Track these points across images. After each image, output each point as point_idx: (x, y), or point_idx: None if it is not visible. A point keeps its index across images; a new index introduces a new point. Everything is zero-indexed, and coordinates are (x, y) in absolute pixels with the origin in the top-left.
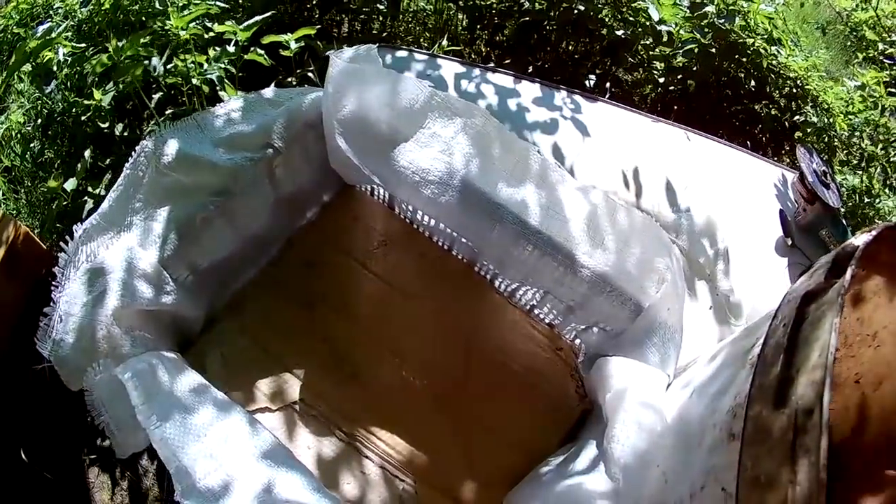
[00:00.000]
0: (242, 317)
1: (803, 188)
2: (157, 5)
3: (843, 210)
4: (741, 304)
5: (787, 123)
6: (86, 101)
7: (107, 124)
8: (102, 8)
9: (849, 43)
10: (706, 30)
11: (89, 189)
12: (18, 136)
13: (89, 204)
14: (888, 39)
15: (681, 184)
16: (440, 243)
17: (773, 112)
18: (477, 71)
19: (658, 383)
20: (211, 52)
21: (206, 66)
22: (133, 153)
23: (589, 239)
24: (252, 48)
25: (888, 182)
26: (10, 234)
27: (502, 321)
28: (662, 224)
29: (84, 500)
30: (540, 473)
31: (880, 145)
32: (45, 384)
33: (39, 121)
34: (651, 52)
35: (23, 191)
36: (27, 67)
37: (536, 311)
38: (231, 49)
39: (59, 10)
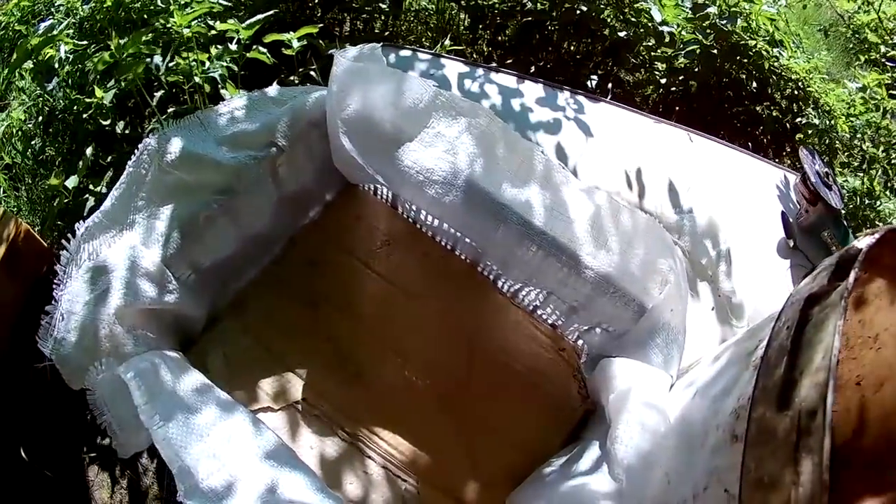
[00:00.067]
0: (245, 316)
1: (806, 189)
2: (158, 3)
3: (844, 212)
4: (743, 305)
5: (788, 125)
6: (87, 99)
7: (108, 122)
8: (104, 5)
9: (850, 45)
10: (708, 31)
11: (90, 187)
12: (19, 133)
13: (90, 202)
14: (890, 42)
15: (683, 185)
16: (443, 243)
17: (774, 114)
18: (480, 71)
19: (661, 384)
20: (213, 51)
21: (207, 64)
22: (136, 151)
23: (593, 240)
24: (254, 47)
25: (889, 184)
26: (11, 231)
27: (505, 321)
28: (665, 225)
29: (84, 498)
30: (543, 474)
31: (881, 147)
32: (45, 382)
33: (41, 118)
34: (653, 53)
35: (23, 188)
36: (28, 64)
37: (539, 312)
38: (233, 47)
39: (61, 8)
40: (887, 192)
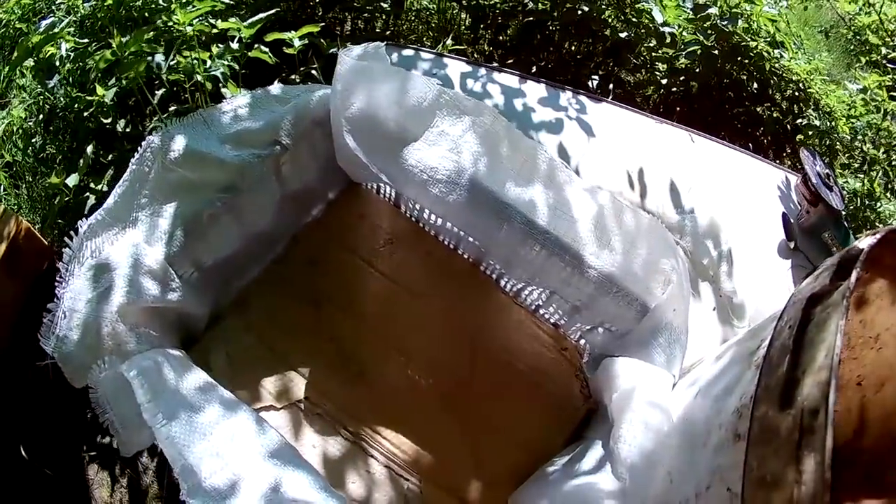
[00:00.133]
0: (247, 314)
1: (807, 190)
2: (160, 1)
3: (844, 213)
4: (744, 305)
5: (788, 126)
6: (88, 97)
7: (109, 120)
8: (105, 3)
9: (851, 46)
10: (709, 32)
11: (91, 185)
12: (20, 131)
13: (91, 200)
14: (891, 43)
15: (685, 185)
16: (446, 242)
17: (775, 115)
18: (483, 70)
19: (664, 384)
20: (214, 49)
21: (209, 62)
22: (139, 148)
23: (596, 240)
24: (256, 46)
25: (889, 186)
26: (12, 229)
27: (508, 321)
28: (667, 225)
29: (83, 497)
30: (546, 473)
31: (882, 149)
32: (45, 381)
33: (41, 116)
34: (654, 54)
35: (24, 186)
36: (29, 62)
37: (542, 311)
38: (235, 46)
39: (62, 6)
40: (888, 194)
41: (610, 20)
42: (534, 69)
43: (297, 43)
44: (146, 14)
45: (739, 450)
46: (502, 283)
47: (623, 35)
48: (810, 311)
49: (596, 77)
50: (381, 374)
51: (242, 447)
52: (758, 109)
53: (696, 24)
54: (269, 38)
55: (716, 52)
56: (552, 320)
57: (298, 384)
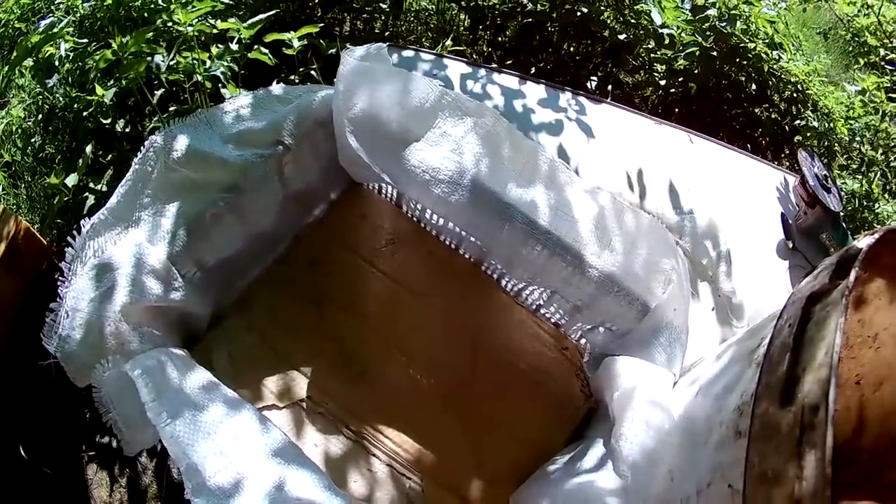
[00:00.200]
0: (249, 314)
1: (804, 192)
2: (160, 1)
3: (842, 214)
4: (743, 305)
5: (787, 127)
6: (87, 97)
7: (108, 120)
8: (104, 3)
9: (849, 48)
10: (708, 33)
11: (90, 185)
12: (19, 131)
13: (90, 200)
14: (889, 45)
15: (684, 186)
16: (448, 242)
17: (773, 116)
18: (483, 71)
19: (665, 382)
20: (213, 50)
21: (209, 63)
22: (142, 148)
23: (597, 240)
24: (255, 46)
25: (888, 187)
26: (11, 229)
27: (509, 320)
28: (666, 226)
29: (82, 496)
30: (547, 472)
31: (880, 150)
32: (44, 380)
33: (40, 116)
34: (653, 55)
35: (23, 186)
36: (29, 62)
37: (543, 311)
38: (234, 47)
39: (61, 6)
40: (885, 195)
41: (609, 21)
42: (533, 70)
43: (296, 44)
44: (145, 14)
45: (740, 447)
46: (503, 282)
47: (622, 36)
48: (810, 309)
49: (595, 78)
50: (382, 373)
51: (246, 446)
52: (756, 110)
53: (695, 25)
54: (269, 38)
55: (714, 53)
56: (553, 320)
57: (300, 383)
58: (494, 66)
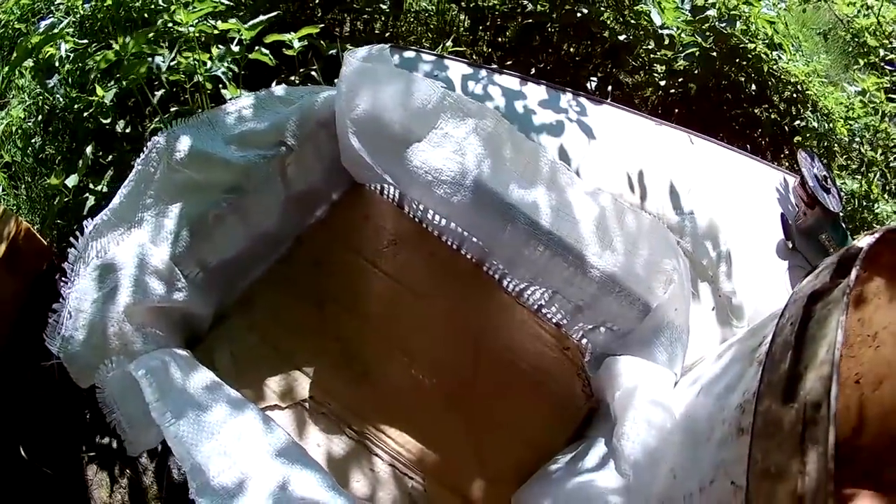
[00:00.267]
0: (252, 314)
1: (804, 192)
2: (160, 2)
3: (842, 214)
4: (743, 306)
5: (786, 128)
6: (88, 98)
7: (108, 120)
8: (104, 4)
9: (849, 48)
10: (707, 34)
11: (90, 186)
12: (19, 131)
13: (90, 200)
14: (889, 45)
15: (684, 187)
16: (450, 243)
17: (773, 116)
18: (484, 72)
19: (666, 382)
20: (214, 51)
21: (209, 63)
22: (144, 149)
23: (598, 240)
24: (256, 48)
25: (887, 187)
26: (12, 229)
27: (510, 320)
28: (666, 226)
29: (83, 497)
30: (549, 471)
31: (880, 151)
32: (44, 380)
33: (40, 116)
34: (652, 56)
35: (23, 187)
36: (29, 63)
37: (544, 311)
38: (235, 48)
39: (61, 6)
40: (885, 195)
41: (609, 22)
42: (533, 71)
43: (296, 44)
44: (145, 15)
45: (743, 444)
46: (505, 283)
47: (622, 37)
48: (811, 308)
49: (595, 79)
50: (384, 373)
51: (250, 446)
52: (756, 111)
53: (695, 25)
54: (269, 39)
55: (714, 53)
56: (554, 320)
57: (303, 384)
58: (495, 66)
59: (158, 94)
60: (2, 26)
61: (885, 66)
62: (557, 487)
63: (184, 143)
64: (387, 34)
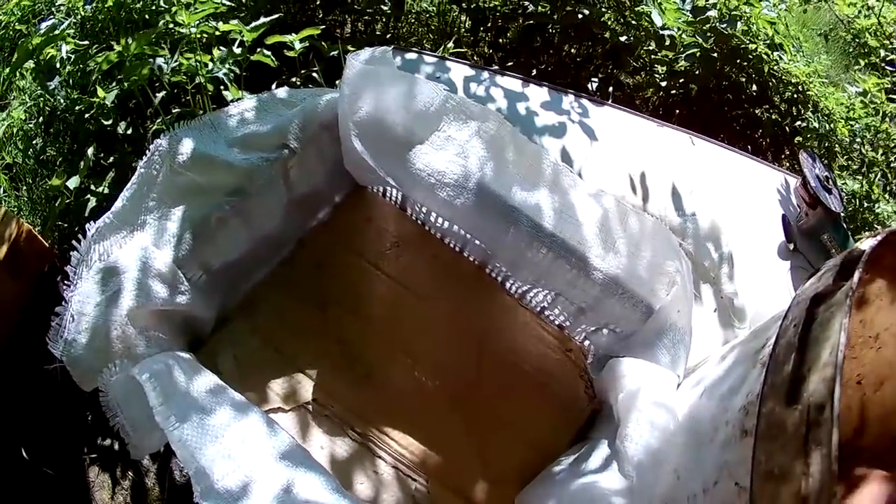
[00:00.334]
0: (254, 317)
1: (806, 193)
2: (161, 3)
3: (843, 215)
4: (745, 307)
5: (787, 128)
6: (89, 99)
7: (110, 122)
8: (105, 5)
9: (850, 49)
10: (708, 34)
11: (92, 187)
12: (20, 133)
13: (92, 202)
14: (889, 46)
15: (686, 188)
16: (452, 245)
17: (773, 117)
18: (486, 74)
19: (669, 383)
20: (215, 52)
21: (211, 65)
22: (147, 151)
23: (601, 242)
24: (258, 49)
25: (888, 187)
26: (13, 231)
27: (513, 322)
28: (668, 228)
29: (84, 499)
30: (553, 472)
31: (881, 151)
32: (46, 382)
33: (41, 118)
34: (653, 57)
35: (24, 188)
36: (29, 64)
37: (547, 313)
38: (237, 50)
39: (62, 8)
40: (886, 195)
41: (609, 23)
42: (534, 72)
43: (297, 45)
44: (146, 16)
45: (747, 445)
46: (508, 285)
47: (623, 38)
48: (814, 310)
49: (596, 80)
50: (387, 375)
51: (254, 449)
52: (757, 111)
53: (696, 26)
54: (270, 40)
55: (715, 54)
56: (557, 322)
57: (306, 386)
58: (496, 68)
59: (160, 95)
60: (2, 27)
61: (886, 67)
62: (561, 489)
63: (186, 146)
64: (388, 35)
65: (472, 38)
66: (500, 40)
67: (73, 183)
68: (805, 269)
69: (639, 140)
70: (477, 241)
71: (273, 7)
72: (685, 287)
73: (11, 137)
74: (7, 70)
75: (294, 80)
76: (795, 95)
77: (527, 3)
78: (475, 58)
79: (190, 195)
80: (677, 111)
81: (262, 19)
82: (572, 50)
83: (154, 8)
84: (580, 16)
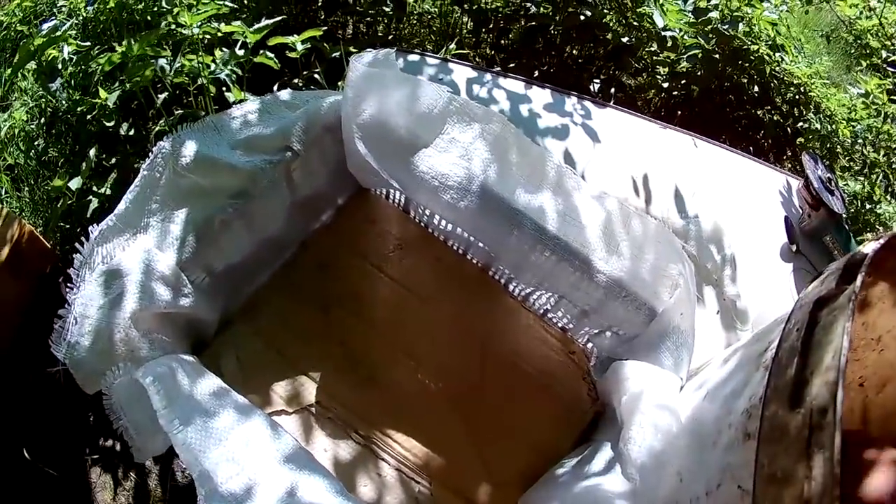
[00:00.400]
0: (257, 319)
1: (808, 195)
2: (163, 4)
3: (845, 216)
4: (747, 310)
5: (789, 129)
6: (91, 100)
7: (112, 123)
8: (107, 6)
9: (851, 50)
10: (710, 35)
11: (94, 188)
12: (22, 134)
13: (94, 203)
14: (891, 47)
15: (688, 190)
16: (455, 247)
17: (775, 118)
18: (488, 76)
19: (672, 386)
20: (217, 53)
21: (213, 66)
22: (150, 154)
23: (605, 245)
24: (261, 51)
25: (890, 188)
26: (15, 232)
27: (516, 325)
28: (671, 230)
29: (86, 500)
30: (556, 475)
31: (882, 152)
32: (48, 383)
33: (43, 119)
34: (655, 58)
35: (26, 189)
36: (31, 65)
37: (550, 316)
38: (240, 52)
39: (63, 9)
40: (888, 196)
41: (611, 24)
42: (536, 73)
43: (299, 47)
44: (148, 17)
45: (750, 448)
46: (511, 287)
47: (624, 39)
48: (817, 313)
49: (598, 81)
50: (390, 378)
51: (257, 452)
52: (758, 113)
53: (697, 27)
54: (272, 41)
55: (716, 55)
56: (560, 324)
57: (309, 388)
58: (499, 69)
59: (162, 96)
60: (4, 28)
61: (888, 68)
62: (564, 491)
63: (189, 148)
64: (390, 37)
65: (474, 39)
66: (502, 42)
67: (74, 184)
68: (807, 271)
69: (641, 142)
70: (480, 244)
71: (275, 8)
72: (688, 290)
73: (13, 138)
74: (9, 71)
75: (296, 81)
76: (797, 97)
77: (529, 4)
78: (477, 59)
79: (193, 197)
80: (679, 112)
81: (266, 21)
82: (574, 51)
83: (156, 9)
84: (582, 17)
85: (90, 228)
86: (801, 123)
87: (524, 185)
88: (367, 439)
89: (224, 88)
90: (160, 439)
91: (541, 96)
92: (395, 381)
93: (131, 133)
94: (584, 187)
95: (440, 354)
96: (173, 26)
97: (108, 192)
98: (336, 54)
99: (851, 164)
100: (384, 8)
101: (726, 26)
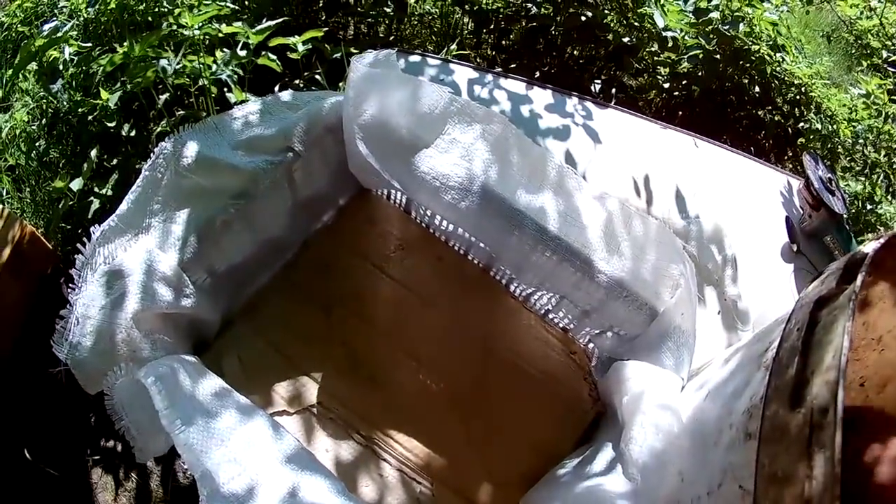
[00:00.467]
0: (258, 320)
1: (809, 195)
2: (165, 4)
3: (846, 216)
4: (748, 310)
5: (790, 130)
6: (92, 101)
7: (113, 124)
8: (108, 7)
9: (852, 50)
10: (711, 36)
11: (95, 189)
12: (23, 134)
13: (95, 204)
14: (891, 47)
15: (689, 191)
16: (457, 248)
17: (776, 118)
18: (489, 76)
19: (673, 386)
20: (218, 54)
21: (214, 67)
22: (152, 154)
23: (606, 245)
24: (263, 53)
25: (890, 188)
26: (16, 233)
27: (517, 325)
28: (672, 230)
29: (87, 500)
30: (557, 475)
31: (883, 152)
32: (50, 383)
33: (44, 120)
34: (656, 58)
35: (27, 190)
36: (32, 66)
37: (551, 316)
38: (242, 53)
39: (64, 10)
40: (888, 197)
41: (612, 25)
42: (537, 74)
43: (300, 48)
44: (149, 18)
45: (751, 448)
46: (512, 288)
47: (625, 40)
48: (818, 313)
49: (598, 81)
50: (392, 378)
51: (259, 452)
52: (759, 113)
53: (698, 28)
54: (274, 42)
55: (717, 56)
56: (561, 325)
57: (311, 389)
58: (500, 70)
59: (163, 97)
60: (5, 29)
61: (888, 68)
62: (565, 491)
63: (191, 149)
64: (391, 37)
65: (474, 40)
66: (503, 42)
67: (76, 185)
68: (808, 271)
69: (642, 142)
70: (481, 244)
71: (276, 9)
72: (689, 290)
73: (14, 139)
74: (10, 72)
75: (297, 82)
76: (798, 97)
77: (530, 4)
78: (478, 60)
79: (194, 198)
80: (680, 113)
81: (267, 22)
82: (575, 52)
83: (157, 10)
84: (583, 18)
85: (92, 229)
86: (801, 124)
87: (525, 185)
88: (369, 440)
89: (225, 89)
90: (162, 440)
91: (542, 97)
92: (396, 382)
93: (133, 134)
94: (585, 188)
95: (441, 355)
96: (174, 27)
97: (110, 192)
98: (337, 55)
99: (852, 164)
100: (385, 9)
101: (727, 27)
